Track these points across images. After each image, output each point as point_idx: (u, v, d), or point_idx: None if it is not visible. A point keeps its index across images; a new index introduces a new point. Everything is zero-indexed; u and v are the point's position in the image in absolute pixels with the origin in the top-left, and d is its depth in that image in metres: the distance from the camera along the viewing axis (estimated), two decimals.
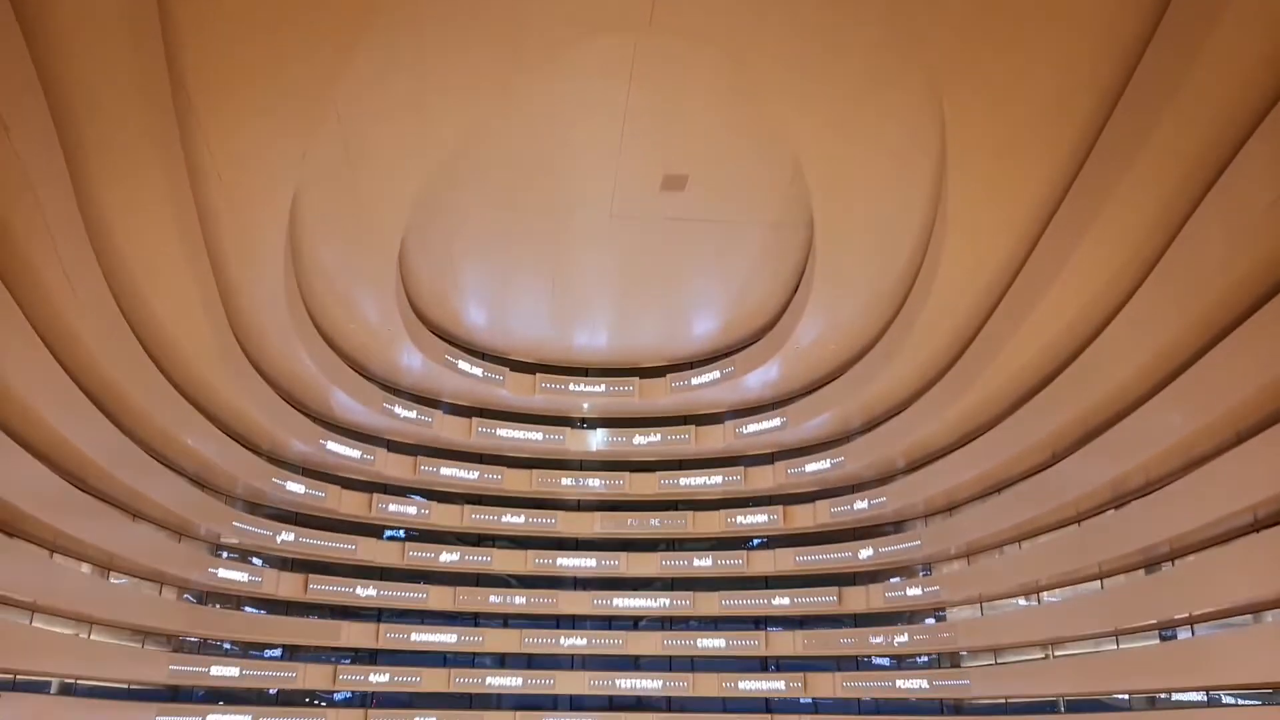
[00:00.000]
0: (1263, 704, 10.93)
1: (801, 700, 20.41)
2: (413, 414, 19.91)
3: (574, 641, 21.42)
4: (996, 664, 16.84)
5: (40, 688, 14.07)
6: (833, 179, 12.99)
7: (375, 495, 20.37)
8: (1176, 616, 11.98)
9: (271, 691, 19.23)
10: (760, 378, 19.66)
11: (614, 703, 21.38)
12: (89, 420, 12.75)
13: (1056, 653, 15.04)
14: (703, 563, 21.64)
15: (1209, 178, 9.49)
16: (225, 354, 14.95)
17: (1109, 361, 12.29)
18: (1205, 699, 11.98)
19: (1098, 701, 14.25)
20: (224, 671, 17.93)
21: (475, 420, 21.14)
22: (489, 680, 21.00)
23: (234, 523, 17.76)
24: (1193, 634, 11.99)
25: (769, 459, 21.30)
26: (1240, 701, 11.47)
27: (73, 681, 14.87)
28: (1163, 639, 12.67)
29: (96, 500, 13.99)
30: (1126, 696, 13.57)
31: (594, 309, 19.14)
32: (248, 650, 18.90)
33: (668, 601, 21.61)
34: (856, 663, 20.17)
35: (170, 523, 16.43)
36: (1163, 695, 12.83)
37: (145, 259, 11.66)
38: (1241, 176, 8.94)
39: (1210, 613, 11.47)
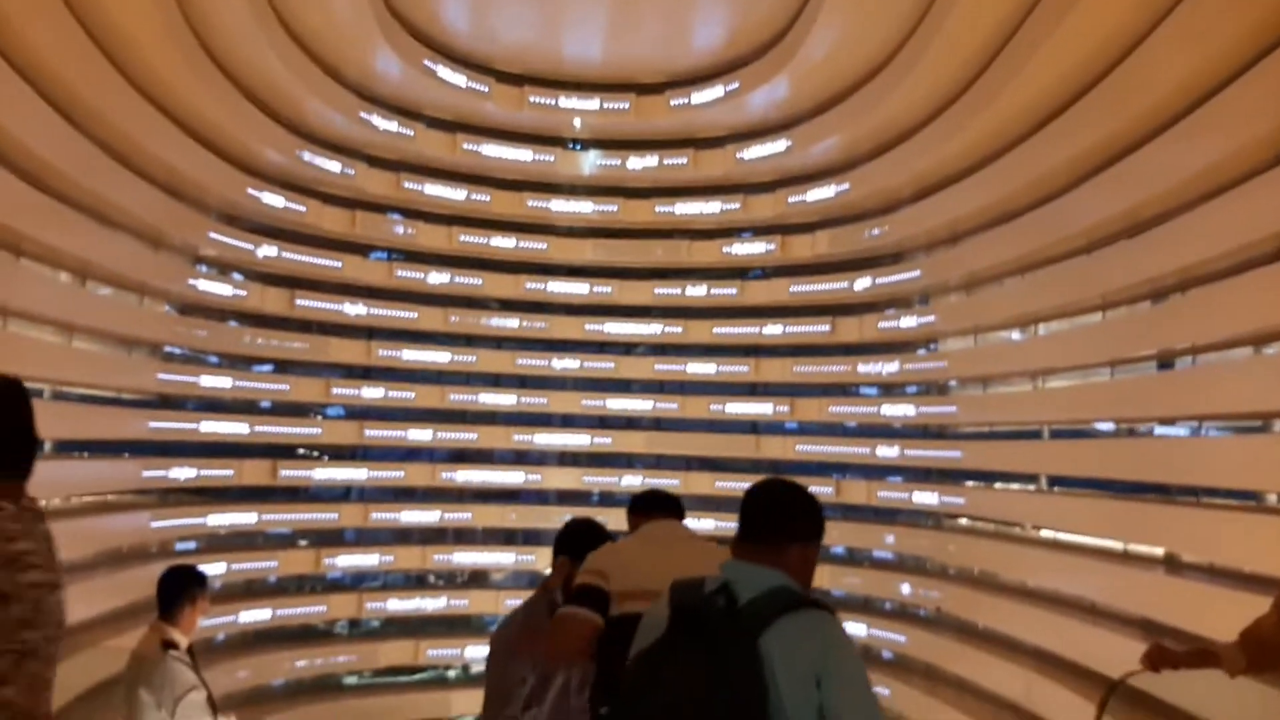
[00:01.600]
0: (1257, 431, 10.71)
1: (787, 425, 20.74)
2: (393, 125, 18.77)
3: (566, 364, 21.47)
4: (985, 392, 16.79)
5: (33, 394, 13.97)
6: None
7: (358, 212, 19.63)
8: (1178, 346, 11.59)
9: (264, 404, 19.42)
10: (766, 96, 18.41)
11: (605, 422, 21.79)
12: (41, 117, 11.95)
13: (1048, 382, 14.90)
14: (696, 291, 21.28)
15: None
16: (183, 51, 13.83)
17: (1144, 78, 11.26)
18: (1190, 430, 11.86)
19: (1080, 430, 14.22)
20: (214, 383, 17.96)
21: (460, 136, 20.02)
22: (482, 398, 21.24)
23: (209, 234, 17.15)
24: (1194, 362, 11.66)
25: (770, 187, 20.41)
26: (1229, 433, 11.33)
27: (64, 389, 14.82)
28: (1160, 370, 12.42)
29: (64, 205, 13.31)
30: (1112, 426, 13.50)
31: (586, 11, 17.56)
32: (236, 363, 18.83)
33: (660, 329, 21.45)
34: (844, 390, 20.26)
35: (145, 233, 15.83)
36: (1145, 427, 12.73)
37: None
38: None
39: (1214, 343, 11.08)
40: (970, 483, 16.91)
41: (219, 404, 18.40)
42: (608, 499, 21.66)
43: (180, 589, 4.52)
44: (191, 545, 17.54)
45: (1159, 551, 12.20)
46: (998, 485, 16.39)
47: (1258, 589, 9.35)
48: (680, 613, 2.20)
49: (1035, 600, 14.04)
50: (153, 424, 16.54)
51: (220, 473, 18.05)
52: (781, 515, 2.36)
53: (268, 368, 19.65)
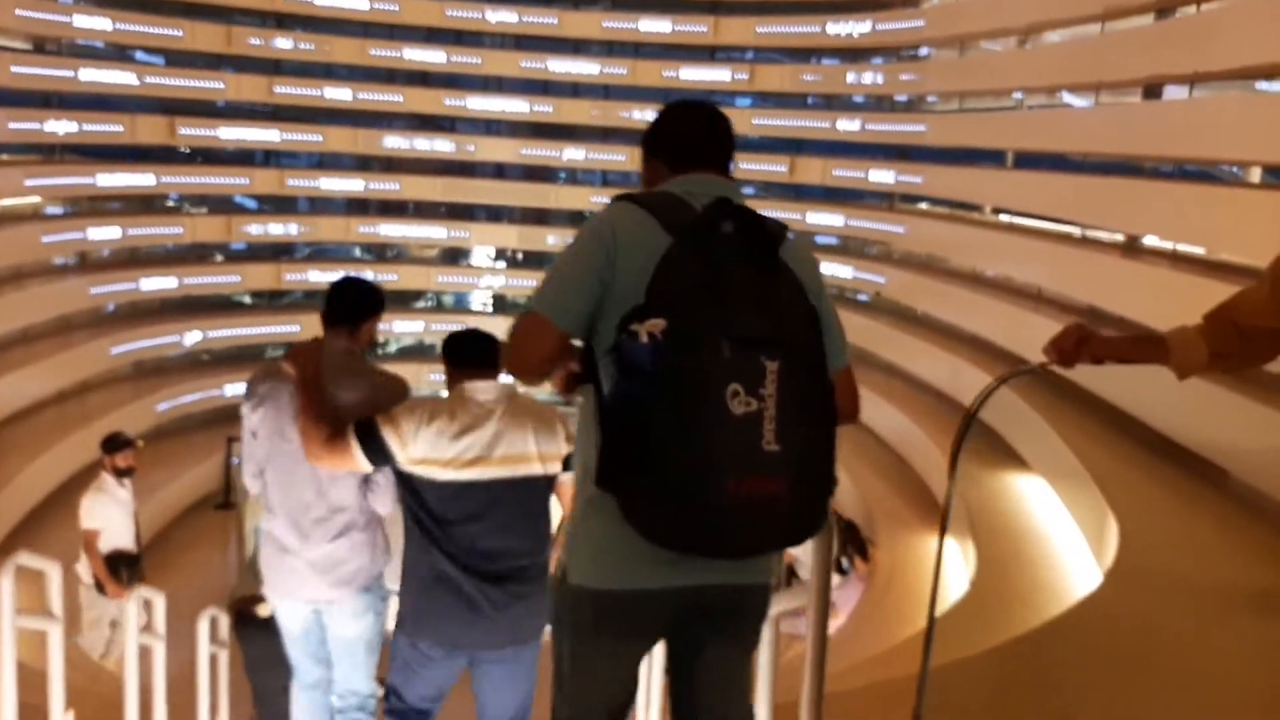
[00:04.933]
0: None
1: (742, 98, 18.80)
2: None
3: (503, 17, 19.06)
4: (962, 56, 14.82)
5: None
6: None
7: None
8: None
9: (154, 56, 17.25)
10: None
11: (547, 88, 19.74)
12: None
13: (1033, 42, 12.94)
14: None
15: None
16: None
17: None
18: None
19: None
20: (92, 24, 15.73)
21: None
22: (407, 53, 19.01)
23: None
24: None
25: None
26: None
27: None
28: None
29: None
30: (1092, 102, 11.73)
31: None
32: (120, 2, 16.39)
33: None
34: (808, 56, 18.12)
35: None
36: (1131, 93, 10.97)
37: None
38: None
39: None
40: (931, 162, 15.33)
41: (99, 51, 16.26)
42: (544, 174, 20.12)
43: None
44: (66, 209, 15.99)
45: (1120, 238, 10.91)
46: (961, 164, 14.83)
47: (1228, 277, 8.11)
48: (701, 227, 1.95)
49: (981, 287, 12.94)
50: (17, 69, 14.52)
51: (107, 128, 16.26)
52: (730, 141, 2.26)
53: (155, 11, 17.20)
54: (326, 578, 3.34)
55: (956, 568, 8.25)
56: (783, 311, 1.88)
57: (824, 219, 17.25)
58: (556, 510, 3.31)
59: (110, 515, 7.37)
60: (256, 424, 3.31)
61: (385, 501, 3.37)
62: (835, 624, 7.87)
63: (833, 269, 16.51)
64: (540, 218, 20.27)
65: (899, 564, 8.36)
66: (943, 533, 2.27)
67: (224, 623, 5.76)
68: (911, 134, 15.69)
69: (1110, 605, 4.43)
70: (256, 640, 5.55)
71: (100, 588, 7.27)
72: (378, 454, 3.02)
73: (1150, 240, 10.34)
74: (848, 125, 16.81)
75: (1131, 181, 10.60)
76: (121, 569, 7.34)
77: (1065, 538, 6.94)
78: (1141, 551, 5.02)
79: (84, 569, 7.31)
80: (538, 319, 2.03)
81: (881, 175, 16.10)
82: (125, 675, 4.43)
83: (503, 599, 3.11)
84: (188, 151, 17.96)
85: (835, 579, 8.34)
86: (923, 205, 16.02)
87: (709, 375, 1.78)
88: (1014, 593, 6.00)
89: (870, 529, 9.12)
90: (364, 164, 19.44)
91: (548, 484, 3.20)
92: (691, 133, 2.23)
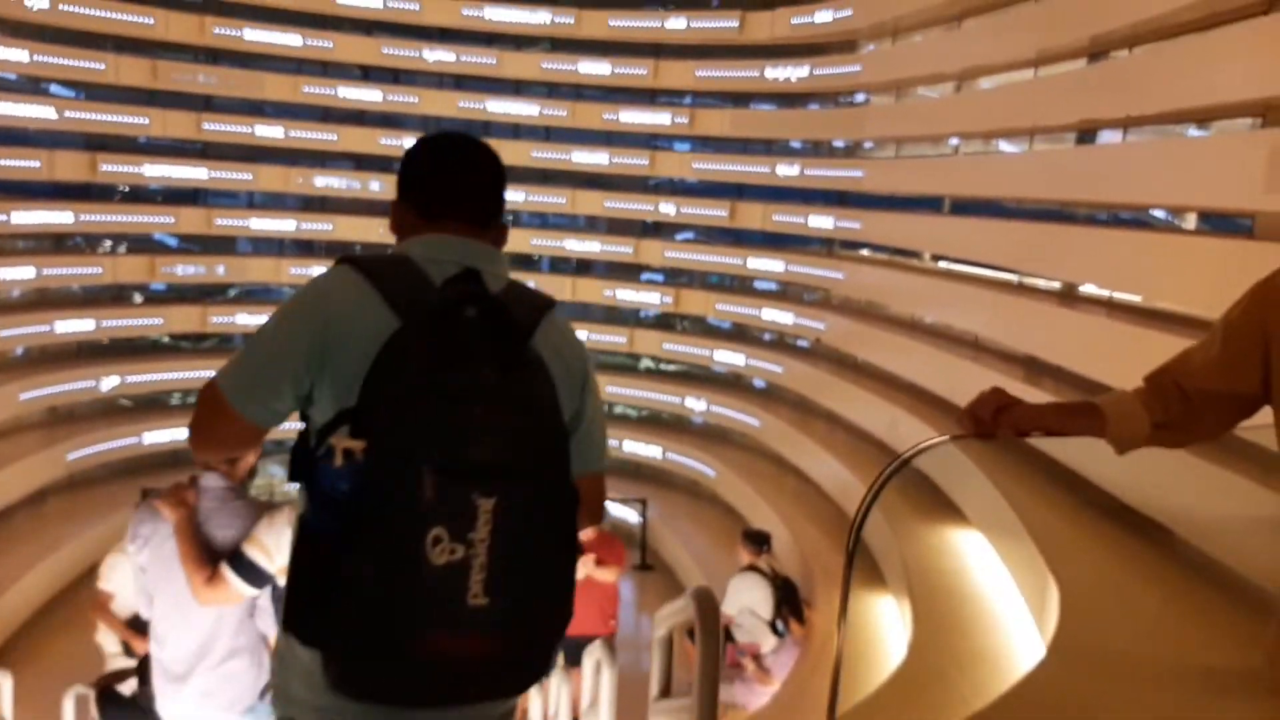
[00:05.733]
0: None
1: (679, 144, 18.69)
2: None
3: (440, 56, 18.78)
4: (898, 101, 14.81)
5: None
6: None
7: None
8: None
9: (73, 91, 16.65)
10: None
11: (487, 129, 19.43)
12: None
13: (969, 86, 12.94)
14: None
15: None
16: None
17: None
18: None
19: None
20: (5, 55, 15.13)
21: None
22: (342, 92, 18.61)
23: None
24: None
25: None
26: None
27: None
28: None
29: None
30: (1026, 147, 11.70)
31: None
32: (31, 33, 15.79)
33: (549, 18, 18.62)
34: (746, 99, 18.08)
35: None
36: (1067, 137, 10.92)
37: None
38: None
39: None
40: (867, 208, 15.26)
41: (13, 84, 15.63)
42: None
43: None
44: None
45: (1056, 285, 10.81)
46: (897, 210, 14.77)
47: (1166, 326, 7.98)
48: (437, 314, 1.60)
49: (919, 334, 12.79)
50: None
51: (24, 163, 15.59)
52: (498, 187, 1.93)
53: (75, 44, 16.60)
54: (216, 700, 3.44)
55: (895, 628, 7.92)
56: (517, 428, 1.57)
57: (764, 264, 17.09)
58: None
59: (127, 580, 6.77)
60: (144, 562, 3.42)
61: (271, 622, 3.46)
62: (769, 691, 7.48)
63: (773, 315, 16.36)
64: None
65: (835, 624, 8.02)
66: (841, 630, 2.04)
67: (92, 701, 5.28)
68: (849, 179, 15.63)
69: (1052, 686, 4.09)
70: None
71: (128, 650, 6.69)
72: (255, 577, 3.14)
73: (1088, 288, 10.24)
74: (787, 170, 16.72)
75: (1065, 228, 10.53)
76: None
77: (1006, 600, 6.63)
78: (1084, 621, 4.71)
79: (105, 638, 6.68)
80: (219, 399, 1.71)
81: (820, 220, 15.99)
82: None
83: None
84: (123, 189, 17.33)
85: (771, 642, 7.99)
86: (864, 251, 15.92)
87: (407, 517, 1.48)
88: (954, 662, 5.68)
89: (808, 587, 8.77)
90: (296, 203, 18.93)
91: None
92: (446, 176, 1.88)
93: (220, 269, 18.39)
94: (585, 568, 7.56)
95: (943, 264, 13.42)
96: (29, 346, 15.45)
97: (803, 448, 13.54)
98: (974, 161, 13.05)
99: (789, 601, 8.01)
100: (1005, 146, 12.39)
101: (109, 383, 16.02)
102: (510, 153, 18.81)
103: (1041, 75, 10.98)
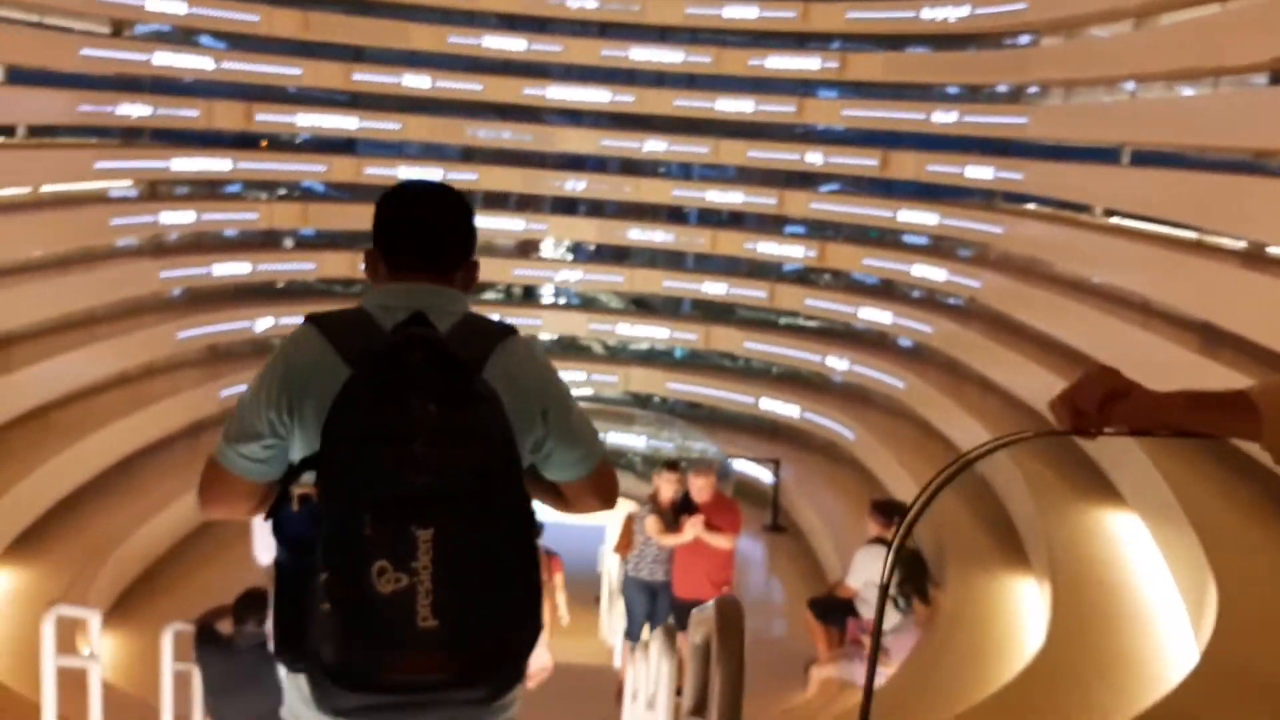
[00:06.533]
0: None
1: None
2: None
3: (584, 4, 18.43)
4: (1068, 40, 13.60)
5: None
6: None
7: None
8: None
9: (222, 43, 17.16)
10: None
11: (630, 76, 19.07)
12: None
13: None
14: None
15: None
16: None
17: None
18: None
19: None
20: (165, 6, 15.68)
21: None
22: (487, 41, 18.49)
23: None
24: None
25: None
26: None
27: None
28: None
29: None
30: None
31: None
32: None
33: None
34: (905, 42, 17.01)
35: None
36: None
37: None
38: None
39: None
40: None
41: (167, 35, 16.20)
42: (629, 166, 19.43)
43: None
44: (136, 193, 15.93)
45: (1240, 244, 9.67)
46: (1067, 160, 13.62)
47: None
48: (381, 358, 1.71)
49: (1084, 295, 11.75)
50: (89, 52, 14.50)
51: (183, 112, 16.22)
52: (458, 235, 2.03)
53: None
54: None
55: (1034, 615, 7.29)
56: (454, 460, 1.65)
57: (916, 217, 16.16)
58: None
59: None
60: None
61: None
62: (884, 672, 7.00)
63: (925, 271, 15.48)
64: (620, 211, 19.64)
65: (968, 610, 7.42)
66: (876, 641, 1.67)
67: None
68: (1012, 127, 14.52)
69: (1202, 706, 3.52)
70: (214, 663, 5.08)
71: None
72: None
73: (1276, 249, 9.11)
74: (943, 117, 15.69)
75: (1254, 180, 9.38)
76: None
77: (1159, 596, 5.94)
78: (1245, 630, 4.08)
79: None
80: (211, 457, 1.94)
81: (979, 171, 14.94)
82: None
83: None
84: (280, 138, 17.88)
85: (893, 619, 7.48)
86: (1028, 206, 14.83)
87: (352, 553, 1.61)
88: (1093, 662, 5.08)
89: (938, 564, 8.18)
90: (441, 153, 19.12)
91: None
92: (405, 230, 2.02)
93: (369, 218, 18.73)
94: (695, 529, 7.22)
95: (1114, 219, 12.30)
96: (189, 288, 16.14)
97: (950, 413, 12.75)
98: (1152, 107, 11.85)
99: (914, 578, 7.47)
100: (1187, 90, 11.16)
101: (263, 324, 16.63)
102: (653, 101, 18.48)
103: (1229, 8, 9.76)
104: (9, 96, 13.50)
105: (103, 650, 8.52)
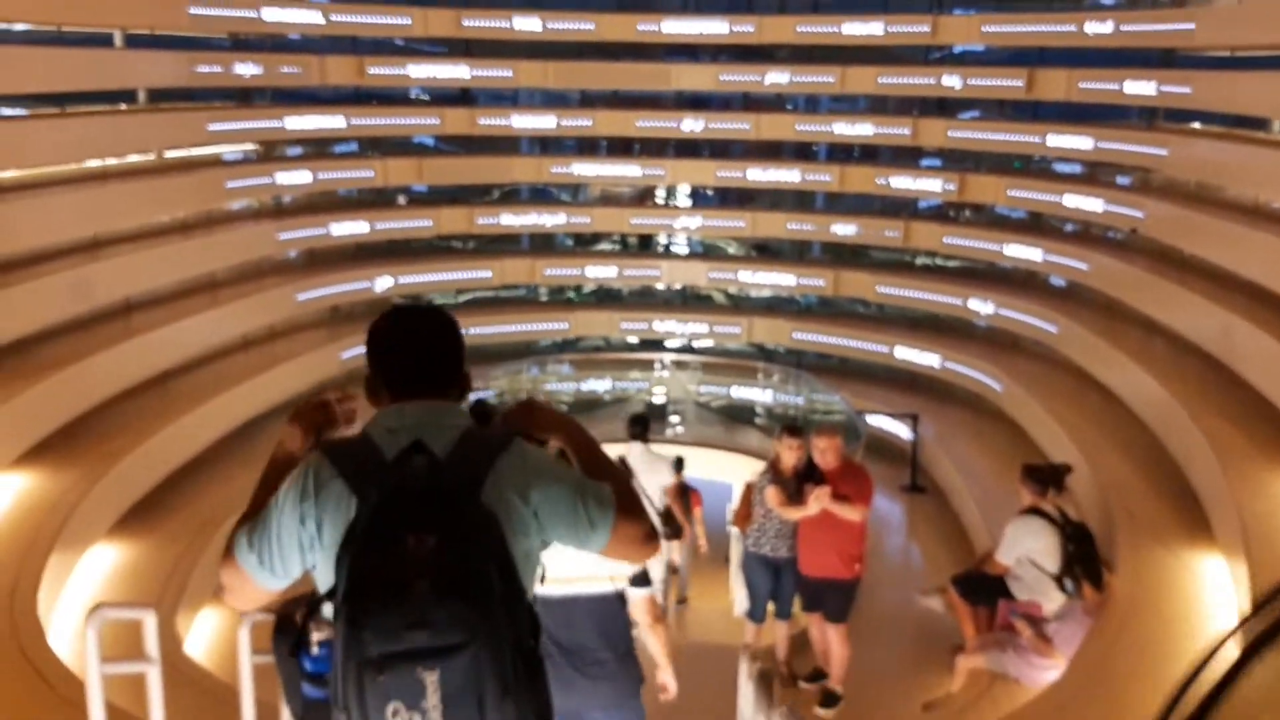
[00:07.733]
0: None
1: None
2: None
3: None
4: (1241, 4, 11.94)
5: None
6: None
7: None
8: None
9: None
10: None
11: (751, 3, 17.94)
12: None
13: None
14: None
15: None
16: None
17: None
18: None
19: None
20: None
21: None
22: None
23: None
24: None
25: None
26: None
27: None
28: None
29: None
30: None
31: None
32: None
33: None
34: None
35: None
36: None
37: None
38: None
39: None
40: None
41: None
42: (750, 101, 18.40)
43: None
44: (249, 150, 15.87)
45: None
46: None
47: None
48: (395, 491, 1.90)
49: (1263, 222, 10.30)
50: (196, 10, 14.37)
51: (294, 70, 16.03)
52: (448, 357, 2.16)
53: None
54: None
55: (1220, 598, 6.27)
56: (455, 612, 1.77)
57: (1068, 142, 14.65)
58: None
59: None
60: None
61: None
62: (1051, 665, 6.12)
63: (1078, 202, 14.05)
64: (742, 151, 18.67)
65: (1143, 590, 6.43)
66: None
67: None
68: (1177, 34, 12.89)
69: None
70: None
71: None
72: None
73: None
74: (1097, 28, 14.07)
75: None
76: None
77: None
78: None
79: None
80: (236, 569, 2.07)
81: (1139, 87, 13.36)
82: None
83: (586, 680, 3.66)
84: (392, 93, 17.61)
85: (1056, 602, 6.56)
86: (1195, 124, 13.22)
87: (367, 696, 1.77)
88: None
89: (1107, 539, 7.16)
90: (555, 99, 18.51)
91: (619, 599, 3.77)
92: (396, 359, 2.14)
93: (484, 170, 18.32)
94: (821, 501, 6.43)
95: None
96: (304, 249, 16.09)
97: (1110, 360, 11.48)
98: None
99: (1083, 557, 6.51)
100: None
101: (383, 283, 16.48)
102: (773, 29, 17.34)
103: None
104: (126, 60, 13.52)
105: (206, 631, 8.42)
